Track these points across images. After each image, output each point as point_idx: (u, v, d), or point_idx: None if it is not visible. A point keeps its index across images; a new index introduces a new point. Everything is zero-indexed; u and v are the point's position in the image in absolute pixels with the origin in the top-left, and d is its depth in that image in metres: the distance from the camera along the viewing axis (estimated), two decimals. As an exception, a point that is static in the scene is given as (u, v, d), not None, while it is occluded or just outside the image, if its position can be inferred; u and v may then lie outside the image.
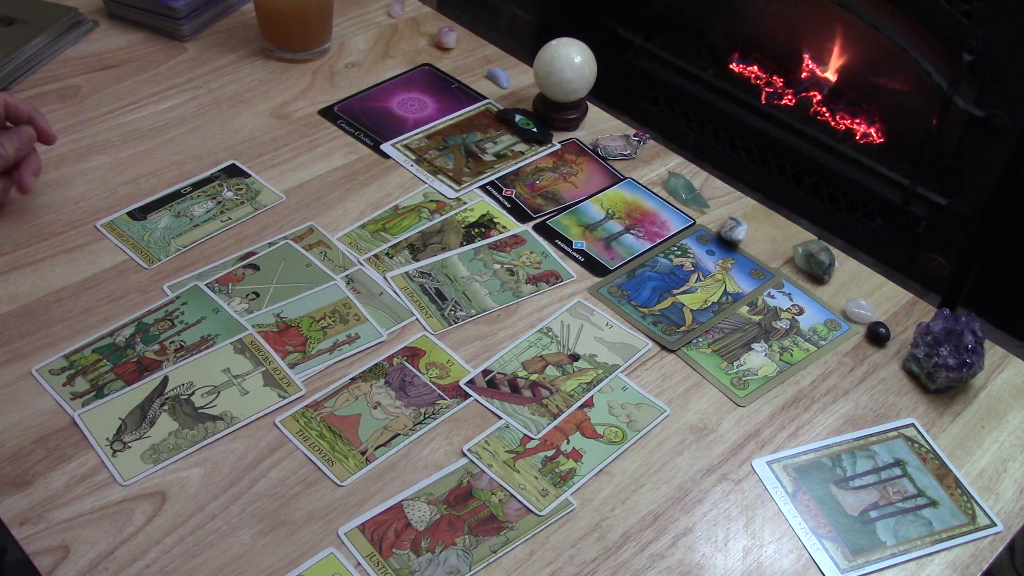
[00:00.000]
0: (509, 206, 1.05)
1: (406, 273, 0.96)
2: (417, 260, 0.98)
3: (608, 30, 2.31)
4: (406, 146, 1.11)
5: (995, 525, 0.81)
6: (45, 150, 1.02)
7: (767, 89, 2.15)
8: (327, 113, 1.15)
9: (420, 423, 0.83)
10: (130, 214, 0.99)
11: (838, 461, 0.84)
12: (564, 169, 1.11)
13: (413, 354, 0.89)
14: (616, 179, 1.10)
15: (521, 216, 1.04)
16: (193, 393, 0.84)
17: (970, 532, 0.80)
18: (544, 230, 1.03)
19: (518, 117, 1.14)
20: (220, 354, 0.87)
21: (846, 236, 2.05)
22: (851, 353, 0.94)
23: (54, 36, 1.19)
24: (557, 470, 0.81)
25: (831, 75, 2.07)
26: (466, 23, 1.33)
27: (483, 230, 1.02)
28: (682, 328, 0.94)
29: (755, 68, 2.18)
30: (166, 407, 0.82)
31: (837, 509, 0.81)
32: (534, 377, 0.88)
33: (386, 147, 1.11)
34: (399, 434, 0.83)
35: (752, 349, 0.93)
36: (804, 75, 2.11)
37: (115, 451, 0.79)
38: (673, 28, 2.27)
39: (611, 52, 2.28)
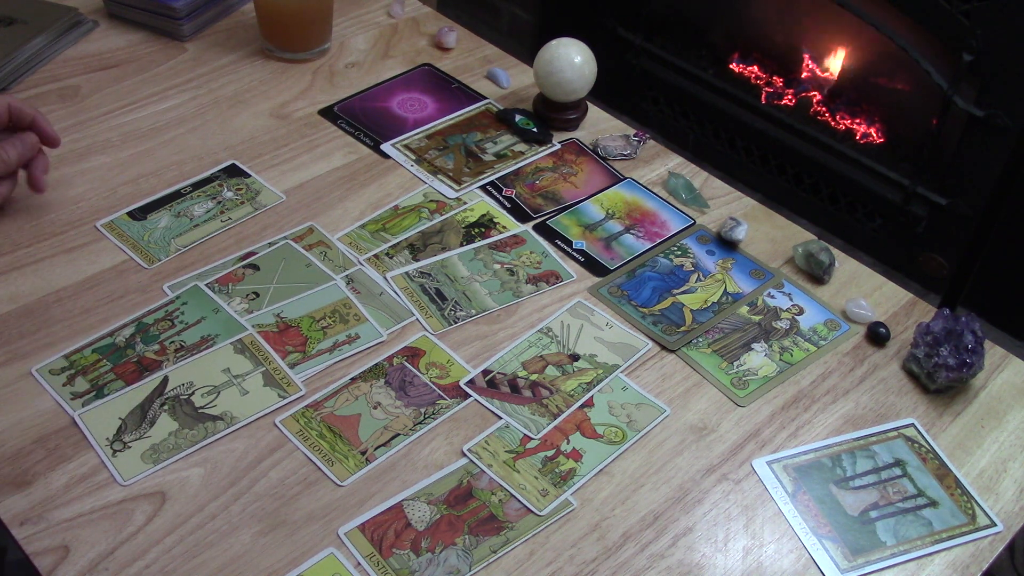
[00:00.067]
0: (509, 206, 1.05)
1: (406, 273, 0.96)
2: (417, 260, 0.98)
3: (608, 30, 2.31)
4: (406, 146, 1.11)
5: (995, 525, 0.81)
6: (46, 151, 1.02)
7: (767, 89, 2.15)
8: (327, 113, 1.15)
9: (420, 423, 0.83)
10: (130, 214, 0.99)
11: (838, 461, 0.84)
12: (564, 169, 1.11)
13: (413, 354, 0.89)
14: (616, 179, 1.10)
15: (521, 216, 1.04)
16: (193, 393, 0.84)
17: (970, 532, 0.80)
18: (544, 230, 1.03)
19: (518, 117, 1.14)
20: (220, 354, 0.87)
21: (846, 236, 2.05)
22: (851, 353, 0.94)
23: (54, 36, 1.19)
24: (557, 470, 0.81)
25: (831, 75, 2.07)
26: (466, 23, 1.33)
27: (483, 230, 1.02)
28: (682, 328, 0.94)
29: (755, 68, 2.18)
30: (166, 407, 0.82)
31: (837, 509, 0.81)
32: (534, 377, 0.88)
33: (386, 147, 1.11)
34: (399, 434, 0.83)
35: (752, 349, 0.93)
36: (804, 75, 2.11)
37: (115, 451, 0.79)
38: (673, 28, 2.27)
39: (611, 52, 2.28)
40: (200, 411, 0.82)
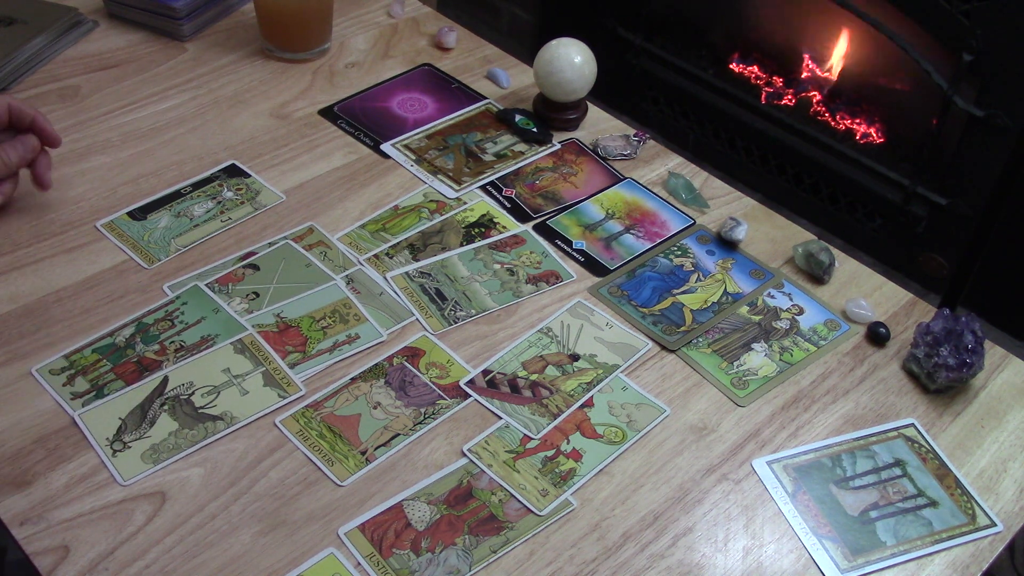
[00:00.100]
0: (509, 206, 1.05)
1: (406, 273, 0.96)
2: (417, 260, 0.98)
3: (608, 30, 2.31)
4: (406, 146, 1.11)
5: (995, 525, 0.81)
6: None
7: (767, 89, 2.15)
8: (327, 113, 1.15)
9: (420, 423, 0.83)
10: (130, 214, 0.99)
11: (838, 461, 0.84)
12: (564, 169, 1.11)
13: (413, 354, 0.89)
14: (616, 179, 1.10)
15: (521, 216, 1.04)
16: (193, 393, 0.84)
17: (970, 532, 0.80)
18: (544, 230, 1.03)
19: (518, 117, 1.14)
20: (220, 354, 0.87)
21: (846, 236, 2.05)
22: (851, 353, 0.94)
23: (54, 36, 1.19)
24: (557, 470, 0.81)
25: (831, 75, 2.07)
26: (466, 23, 1.33)
27: (483, 230, 1.02)
28: (682, 328, 0.94)
29: (755, 68, 2.18)
30: (166, 407, 0.82)
31: (837, 509, 0.81)
32: (534, 377, 0.88)
33: (386, 147, 1.11)
34: (399, 434, 0.83)
35: (752, 349, 0.93)
36: (804, 75, 2.11)
37: (115, 451, 0.79)
38: (673, 28, 2.27)
39: (611, 52, 2.28)
40: (200, 411, 0.82)
